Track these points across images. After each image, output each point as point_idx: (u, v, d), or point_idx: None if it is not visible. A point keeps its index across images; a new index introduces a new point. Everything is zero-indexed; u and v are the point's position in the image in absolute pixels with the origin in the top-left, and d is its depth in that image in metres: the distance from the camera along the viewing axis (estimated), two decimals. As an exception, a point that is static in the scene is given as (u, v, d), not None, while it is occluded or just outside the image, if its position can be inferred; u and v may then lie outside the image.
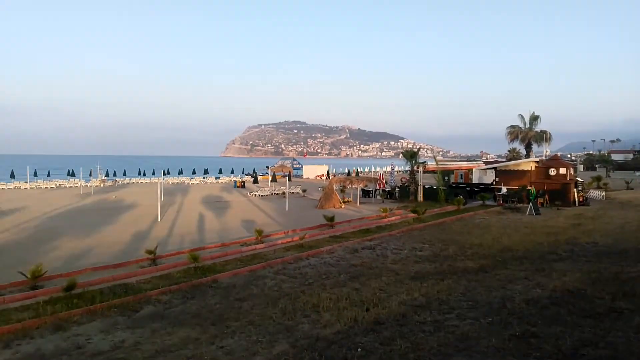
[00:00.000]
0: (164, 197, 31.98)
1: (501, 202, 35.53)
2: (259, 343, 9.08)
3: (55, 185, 59.86)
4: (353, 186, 39.94)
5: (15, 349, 9.09)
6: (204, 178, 73.00)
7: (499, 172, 40.40)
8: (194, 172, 79.37)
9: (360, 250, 18.31)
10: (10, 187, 56.12)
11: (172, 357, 8.48)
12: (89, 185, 57.20)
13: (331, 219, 24.78)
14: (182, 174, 77.30)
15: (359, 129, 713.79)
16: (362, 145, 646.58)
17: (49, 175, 66.51)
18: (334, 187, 37.65)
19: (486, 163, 52.72)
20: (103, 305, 11.43)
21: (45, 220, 28.44)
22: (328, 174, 75.98)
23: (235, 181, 62.30)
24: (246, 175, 79.82)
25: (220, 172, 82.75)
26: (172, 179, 70.15)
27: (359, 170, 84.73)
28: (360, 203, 37.94)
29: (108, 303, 11.60)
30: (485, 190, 38.19)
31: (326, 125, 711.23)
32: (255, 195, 45.55)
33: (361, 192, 40.84)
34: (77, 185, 57.85)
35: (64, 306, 11.34)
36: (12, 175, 60.46)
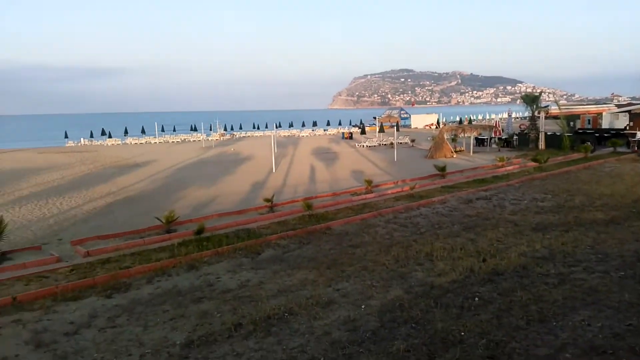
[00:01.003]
0: (276, 149, 33.25)
1: (636, 148, 31.90)
2: (374, 287, 9.28)
3: (180, 139, 64.86)
4: (465, 135, 38.21)
5: (156, 285, 10.23)
6: (312, 130, 74.47)
7: (633, 116, 36.05)
8: (303, 125, 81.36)
9: (475, 201, 17.66)
10: (141, 142, 61.95)
11: (292, 296, 9.00)
12: (209, 139, 61.17)
13: (442, 169, 24.08)
14: (292, 126, 79.55)
15: (471, 74, 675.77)
16: (474, 92, 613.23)
17: (174, 130, 72.18)
18: (445, 136, 36.32)
19: (618, 106, 47.30)
20: (229, 248, 12.37)
21: (173, 172, 31.12)
22: (438, 122, 73.42)
23: (343, 133, 62.73)
24: (353, 126, 79.85)
25: (328, 124, 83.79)
26: (284, 132, 72.48)
27: (471, 118, 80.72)
28: (473, 152, 36.33)
29: (233, 246, 12.53)
30: (617, 136, 34.41)
31: (435, 72, 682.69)
32: (363, 146, 45.57)
33: (474, 141, 38.96)
34: (199, 139, 62.18)
35: (195, 248, 12.47)
36: (143, 131, 66.57)
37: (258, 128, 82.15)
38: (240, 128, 78.67)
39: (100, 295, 9.65)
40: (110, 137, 63.44)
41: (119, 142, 61.53)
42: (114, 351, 7.21)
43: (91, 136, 63.75)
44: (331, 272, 10.37)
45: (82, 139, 62.15)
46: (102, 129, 66.94)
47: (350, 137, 57.26)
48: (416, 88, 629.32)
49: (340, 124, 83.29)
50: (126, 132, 66.59)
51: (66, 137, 63.69)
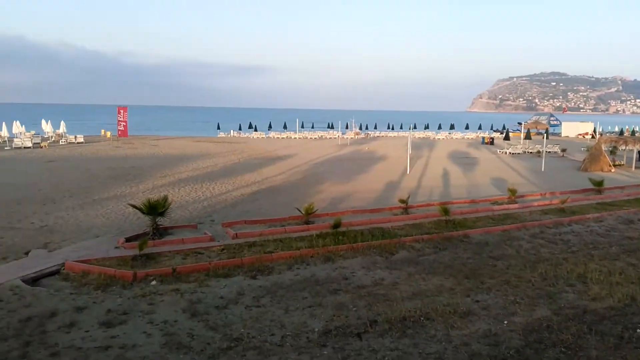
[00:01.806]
0: (411, 150, 32.86)
1: None
2: (517, 304, 8.72)
3: (318, 136, 67.30)
4: (627, 147, 34.10)
5: (296, 272, 10.75)
6: (449, 133, 72.20)
7: None
8: (439, 127, 79.15)
9: (637, 222, 15.70)
10: (283, 137, 65.47)
11: (428, 301, 8.83)
12: (345, 137, 62.56)
13: (599, 183, 21.75)
14: (428, 128, 77.94)
15: (635, 80, 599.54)
16: (638, 100, 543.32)
17: (312, 127, 75.03)
18: (603, 148, 32.78)
19: None
20: (364, 245, 12.54)
21: (311, 166, 32.40)
22: (594, 132, 66.46)
23: (484, 137, 59.81)
24: (494, 131, 75.81)
25: (467, 127, 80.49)
26: (419, 134, 71.36)
27: (634, 129, 71.74)
28: (635, 167, 32.31)
29: (368, 243, 12.68)
30: None
31: (592, 77, 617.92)
32: (506, 152, 43.02)
33: (637, 155, 34.60)
34: (335, 136, 63.96)
35: (332, 241, 12.85)
36: (285, 126, 70.38)
37: (392, 128, 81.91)
38: (375, 128, 79.16)
39: (246, 275, 10.41)
40: (256, 130, 68.17)
41: (264, 136, 65.77)
42: (258, 329, 7.74)
43: (240, 129, 68.97)
44: (470, 282, 9.97)
45: (232, 131, 67.58)
46: (250, 122, 72.14)
47: (492, 143, 54.43)
48: (568, 93, 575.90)
49: (480, 128, 79.58)
50: (270, 126, 71.06)
51: (218, 128, 69.81)
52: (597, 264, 11.13)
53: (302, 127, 71.35)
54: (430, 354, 6.87)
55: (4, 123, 47.28)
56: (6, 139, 44.84)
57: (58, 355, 6.85)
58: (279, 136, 65.77)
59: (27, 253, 11.90)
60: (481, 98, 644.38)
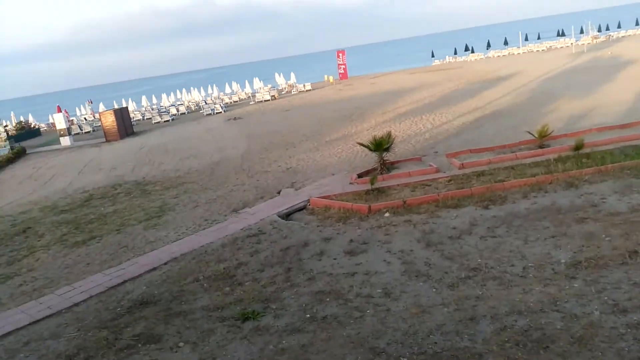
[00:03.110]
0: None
1: None
2: None
3: (546, 47, 59.81)
4: None
5: (532, 200, 10.01)
6: None
7: None
8: None
9: None
10: (504, 54, 60.16)
11: None
12: (579, 43, 54.19)
13: None
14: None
15: None
16: None
17: (538, 38, 66.96)
18: None
19: None
20: (615, 166, 10.93)
21: (540, 83, 29.18)
22: None
23: None
24: None
25: None
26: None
27: None
28: None
29: (620, 164, 11.00)
30: None
31: None
32: None
33: None
34: (567, 44, 55.93)
35: (573, 165, 11.54)
36: (505, 42, 64.34)
37: (645, 24, 67.33)
38: (619, 27, 66.19)
39: (477, 205, 10.15)
40: (472, 52, 64.11)
41: (482, 56, 61.53)
42: (496, 259, 7.55)
43: (455, 53, 65.82)
44: None
45: (447, 57, 64.99)
46: (466, 44, 68.02)
47: None
48: None
49: None
50: (489, 45, 65.83)
51: (432, 56, 67.85)
52: None
53: (526, 39, 64.27)
54: None
55: (246, 81, 54.51)
56: (250, 94, 51.75)
57: (314, 280, 7.86)
58: (499, 54, 60.67)
59: (279, 192, 13.77)
60: None
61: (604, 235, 7.75)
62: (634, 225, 7.94)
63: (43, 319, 7.92)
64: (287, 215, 11.63)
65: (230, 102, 50.20)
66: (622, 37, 59.54)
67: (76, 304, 8.28)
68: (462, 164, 13.29)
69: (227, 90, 57.88)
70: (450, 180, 12.30)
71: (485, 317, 6.03)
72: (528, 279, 6.81)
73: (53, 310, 8.15)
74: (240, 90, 56.47)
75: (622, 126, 15.04)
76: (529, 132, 14.48)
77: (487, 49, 65.58)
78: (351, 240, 9.27)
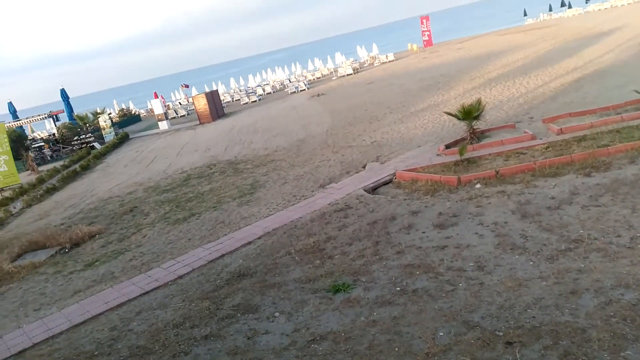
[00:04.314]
0: None
1: None
2: None
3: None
4: None
5: (641, 165, 9.17)
6: None
7: None
8: None
9: None
10: (606, 7, 54.68)
11: None
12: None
13: None
14: None
15: None
16: None
17: (648, -15, 59.82)
18: None
19: None
20: None
21: (651, 35, 26.26)
22: None
23: None
24: None
25: None
26: None
27: None
28: None
29: None
30: None
31: None
32: None
33: None
34: (684, -11, 49.59)
35: (691, 125, 10.37)
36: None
37: None
38: None
39: (578, 173, 9.49)
40: (570, 7, 58.85)
41: (580, 11, 56.37)
42: (600, 230, 7.05)
43: (550, 10, 60.87)
44: None
45: (540, 14, 60.32)
46: (561, -1, 62.62)
47: None
48: None
49: None
50: (588, -2, 60.03)
51: (525, 15, 63.27)
52: None
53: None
54: None
55: (328, 56, 54.49)
56: (332, 70, 51.73)
57: (403, 253, 7.84)
58: (600, 7, 55.20)
59: (364, 166, 13.77)
60: None
61: None
62: None
63: (152, 290, 8.67)
64: (373, 190, 11.63)
65: (314, 79, 50.55)
66: None
67: (180, 277, 8.96)
68: (561, 129, 12.42)
69: (310, 67, 58.25)
70: (547, 147, 11.57)
71: (588, 290, 5.70)
72: (637, 250, 6.31)
73: (160, 282, 8.89)
74: (323, 67, 56.60)
75: None
76: (637, 92, 13.16)
77: (587, 2, 59.79)
78: (440, 213, 9.10)
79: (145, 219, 13.88)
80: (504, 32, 53.14)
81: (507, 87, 20.86)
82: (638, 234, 6.68)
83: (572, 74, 20.60)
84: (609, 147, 10.28)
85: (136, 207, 15.37)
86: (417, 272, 7.09)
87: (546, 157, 10.75)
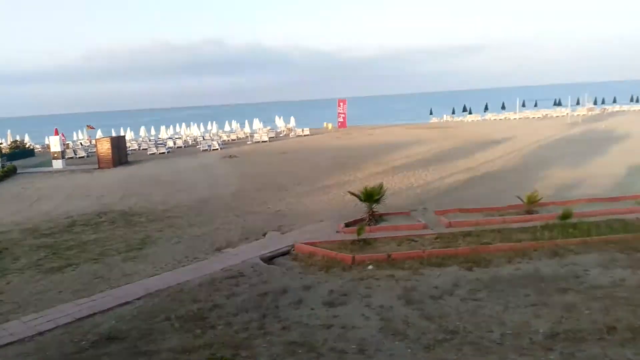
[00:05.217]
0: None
1: None
2: None
3: (541, 115, 61.19)
4: None
5: (516, 266, 9.94)
6: None
7: None
8: None
9: None
10: (501, 118, 61.43)
11: (690, 312, 7.24)
12: (575, 114, 55.50)
13: None
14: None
15: None
16: None
17: (535, 105, 68.54)
18: None
19: None
20: (600, 239, 10.96)
21: (533, 149, 29.64)
22: None
23: None
24: None
25: None
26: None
27: None
28: None
29: (606, 237, 11.04)
30: None
31: None
32: None
33: None
34: (563, 114, 57.30)
35: (559, 233, 11.55)
36: (503, 107, 65.82)
37: (637, 101, 69.32)
38: (614, 101, 68.14)
39: (461, 266, 10.06)
40: (470, 113, 65.43)
41: (479, 118, 62.74)
42: (475, 324, 7.40)
43: (453, 113, 67.12)
44: None
45: (444, 115, 66.22)
46: (464, 105, 69.49)
47: None
48: None
49: None
50: (486, 108, 67.24)
51: (431, 113, 69.16)
52: None
53: (523, 106, 65.82)
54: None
55: (246, 121, 55.16)
56: (248, 134, 52.24)
57: (288, 329, 7.65)
58: (495, 118, 61.94)
59: (264, 234, 13.64)
60: None
61: (584, 308, 7.65)
62: (615, 301, 7.86)
63: (3, 346, 7.62)
64: (269, 259, 11.47)
65: (228, 140, 50.61)
66: (617, 111, 61.18)
67: (40, 333, 8.00)
68: (450, 223, 13.28)
69: (227, 128, 58.45)
70: (436, 238, 12.24)
71: (458, 383, 5.84)
72: (505, 346, 6.66)
73: (15, 337, 7.86)
74: (240, 129, 57.05)
75: (611, 199, 15.18)
76: (518, 197, 14.57)
77: (485, 111, 66.91)
78: (331, 291, 9.11)
79: (14, 263, 12.47)
80: (412, 127, 57.36)
81: (408, 177, 22.18)
82: (507, 331, 7.09)
83: (465, 173, 22.46)
84: (490, 245, 11.09)
85: (6, 248, 13.83)
86: (300, 351, 6.90)
87: (434, 247, 11.34)
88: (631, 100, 69.21)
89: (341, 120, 56.80)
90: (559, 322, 7.23)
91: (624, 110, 61.54)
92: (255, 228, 14.51)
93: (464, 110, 67.17)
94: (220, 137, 51.26)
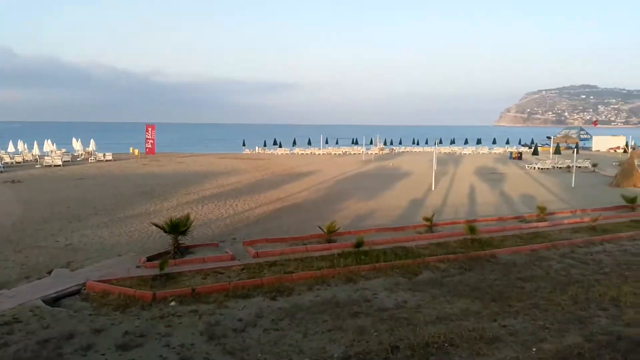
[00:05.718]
0: (437, 166, 32.44)
1: None
2: (547, 330, 8.30)
3: (342, 152, 67.25)
4: (663, 162, 32.87)
5: (316, 293, 10.51)
6: (476, 148, 71.20)
7: None
8: (466, 142, 78.22)
9: (676, 241, 14.95)
10: (307, 153, 65.64)
11: (453, 326, 8.48)
12: (369, 152, 62.28)
13: (632, 200, 20.94)
14: (454, 143, 77.12)
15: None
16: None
17: (337, 143, 75.01)
18: (635, 162, 31.71)
19: None
20: (386, 265, 12.24)
21: (335, 183, 32.23)
22: (626, 146, 64.50)
23: (511, 152, 58.72)
24: (523, 145, 74.62)
25: (494, 142, 79.25)
26: (444, 149, 70.57)
27: (670, 142, 69.44)
28: (672, 182, 31.06)
29: (391, 263, 12.37)
30: None
31: (623, 89, 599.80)
32: (534, 167, 42.03)
33: (674, 170, 33.29)
34: (359, 152, 63.76)
35: (353, 260, 12.59)
36: (309, 143, 70.59)
37: (418, 144, 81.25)
38: (400, 143, 78.77)
39: (266, 296, 10.23)
40: (280, 146, 68.61)
41: (288, 152, 66.05)
42: (276, 354, 7.52)
43: (264, 145, 69.48)
44: (496, 305, 9.56)
45: (257, 147, 68.09)
46: (275, 139, 72.62)
47: (520, 158, 53.26)
48: (599, 106, 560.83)
49: (507, 142, 78.53)
50: (294, 143, 71.33)
51: (244, 145, 70.47)
52: (632, 286, 10.58)
53: (327, 143, 71.43)
54: (454, 384, 6.55)
55: (35, 142, 48.72)
56: (37, 157, 46.15)
57: (73, 380, 6.76)
58: (303, 152, 65.98)
59: (49, 272, 12.00)
60: (509, 112, 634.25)
61: (372, 330, 8.39)
62: (398, 321, 8.81)
63: None
64: (54, 300, 10.09)
65: (13, 162, 44.00)
66: (402, 151, 70.54)
67: None
68: (257, 253, 13.48)
69: (10, 149, 50.77)
70: (243, 269, 12.28)
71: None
72: (305, 374, 6.90)
73: None
74: (27, 151, 50.11)
75: (396, 229, 17.20)
76: (320, 227, 15.55)
77: (293, 145, 71.00)
78: (126, 332, 8.37)
79: None
80: (224, 156, 57.57)
81: (218, 207, 22.03)
82: (305, 358, 7.37)
83: (274, 203, 23.24)
84: (293, 274, 11.52)
85: None
86: (84, 404, 6.12)
87: (240, 278, 11.35)
88: (413, 142, 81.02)
89: (149, 146, 54.06)
90: (351, 346, 7.78)
91: (407, 151, 71.29)
92: (38, 265, 12.71)
93: (275, 143, 70.23)
94: (2, 158, 44.26)
